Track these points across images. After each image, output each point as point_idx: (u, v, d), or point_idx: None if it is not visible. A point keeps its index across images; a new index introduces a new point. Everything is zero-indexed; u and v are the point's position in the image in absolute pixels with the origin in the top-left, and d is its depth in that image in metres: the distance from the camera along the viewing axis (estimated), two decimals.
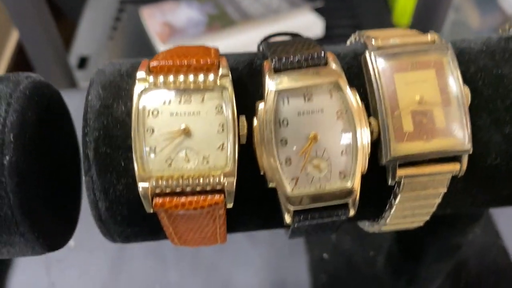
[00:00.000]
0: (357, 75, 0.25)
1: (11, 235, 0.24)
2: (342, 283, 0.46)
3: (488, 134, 0.25)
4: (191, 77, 0.23)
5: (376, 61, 0.24)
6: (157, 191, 0.22)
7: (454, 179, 0.25)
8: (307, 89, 0.23)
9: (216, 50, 0.25)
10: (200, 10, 0.92)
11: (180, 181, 0.22)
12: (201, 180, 0.22)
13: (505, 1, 1.00)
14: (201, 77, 0.23)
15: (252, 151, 0.23)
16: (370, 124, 0.23)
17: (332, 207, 0.23)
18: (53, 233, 0.27)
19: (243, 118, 0.23)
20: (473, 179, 0.26)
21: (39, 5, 0.73)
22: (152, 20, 0.90)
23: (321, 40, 0.89)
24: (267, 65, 0.24)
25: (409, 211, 0.25)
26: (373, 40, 0.25)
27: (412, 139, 0.23)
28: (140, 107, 0.23)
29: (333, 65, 0.24)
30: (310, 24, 0.88)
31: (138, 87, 0.23)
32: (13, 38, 1.01)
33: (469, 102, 0.24)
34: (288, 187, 0.23)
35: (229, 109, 0.23)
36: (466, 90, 0.24)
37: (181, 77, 0.23)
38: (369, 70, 0.24)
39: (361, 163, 0.23)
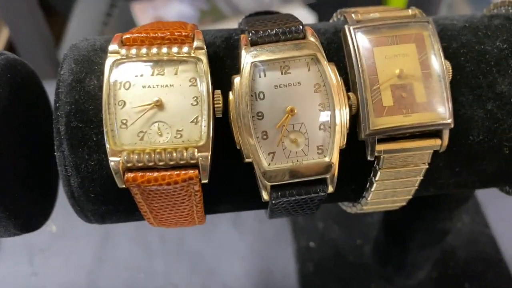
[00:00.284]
0: (337, 50, 0.25)
1: None
2: (329, 271, 0.45)
3: (470, 110, 0.25)
4: (164, 49, 0.22)
5: (355, 35, 0.24)
6: (129, 165, 0.21)
7: (436, 156, 0.24)
8: (284, 61, 0.22)
9: (194, 25, 0.24)
10: (191, 5, 0.91)
11: (153, 155, 0.21)
12: (174, 155, 0.21)
13: None
14: (174, 49, 0.22)
15: (228, 125, 0.23)
16: (349, 98, 0.23)
17: (310, 183, 0.23)
18: (27, 213, 0.27)
19: (218, 91, 0.22)
20: (456, 156, 0.25)
21: (29, 0, 0.72)
22: (144, 15, 0.89)
23: None
24: (244, 38, 0.23)
25: (390, 188, 0.25)
26: (352, 14, 0.24)
27: (391, 113, 0.23)
28: (112, 80, 0.22)
29: (312, 39, 0.23)
30: (302, 20, 0.88)
31: (109, 60, 0.22)
32: (3, 34, 1.00)
33: (450, 77, 0.24)
34: (265, 162, 0.22)
35: (203, 82, 0.22)
36: (447, 64, 0.24)
37: (154, 49, 0.22)
38: (348, 44, 0.24)
39: (339, 138, 0.22)
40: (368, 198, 0.25)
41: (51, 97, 0.29)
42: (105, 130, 0.21)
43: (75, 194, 0.24)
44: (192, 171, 0.22)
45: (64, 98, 0.23)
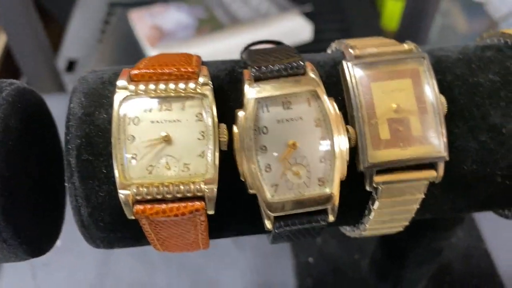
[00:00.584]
0: (336, 84, 0.26)
1: None
2: (328, 286, 0.46)
3: (465, 141, 0.26)
4: (171, 85, 0.23)
5: (353, 71, 0.25)
6: (138, 198, 0.22)
7: (432, 185, 0.25)
8: (286, 97, 0.23)
9: (198, 58, 0.25)
10: (189, 13, 0.92)
11: (161, 188, 0.22)
12: (181, 187, 0.22)
13: (491, 6, 1.02)
14: (181, 85, 0.23)
15: (233, 158, 0.24)
16: (347, 131, 0.24)
17: (312, 213, 0.24)
18: (36, 239, 0.27)
19: (223, 125, 0.23)
20: (451, 185, 0.26)
21: (27, 8, 0.73)
22: (141, 23, 0.89)
23: (310, 44, 0.89)
24: (247, 74, 0.24)
25: (387, 216, 0.26)
26: (350, 49, 0.25)
27: (388, 147, 0.24)
28: (121, 114, 0.23)
29: (312, 74, 0.24)
30: (299, 28, 0.89)
31: (118, 95, 0.23)
32: (1, 41, 1.00)
33: (445, 111, 0.25)
34: (268, 194, 0.23)
35: (209, 117, 0.23)
36: (442, 99, 0.25)
37: (161, 86, 0.23)
38: (346, 79, 0.25)
39: (340, 170, 0.23)
40: (367, 225, 0.26)
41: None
42: (114, 165, 0.22)
43: (85, 223, 0.25)
44: (199, 203, 0.23)
45: (74, 132, 0.24)
